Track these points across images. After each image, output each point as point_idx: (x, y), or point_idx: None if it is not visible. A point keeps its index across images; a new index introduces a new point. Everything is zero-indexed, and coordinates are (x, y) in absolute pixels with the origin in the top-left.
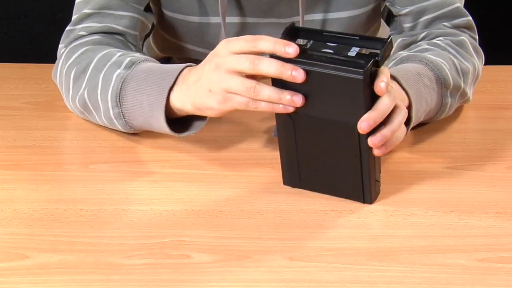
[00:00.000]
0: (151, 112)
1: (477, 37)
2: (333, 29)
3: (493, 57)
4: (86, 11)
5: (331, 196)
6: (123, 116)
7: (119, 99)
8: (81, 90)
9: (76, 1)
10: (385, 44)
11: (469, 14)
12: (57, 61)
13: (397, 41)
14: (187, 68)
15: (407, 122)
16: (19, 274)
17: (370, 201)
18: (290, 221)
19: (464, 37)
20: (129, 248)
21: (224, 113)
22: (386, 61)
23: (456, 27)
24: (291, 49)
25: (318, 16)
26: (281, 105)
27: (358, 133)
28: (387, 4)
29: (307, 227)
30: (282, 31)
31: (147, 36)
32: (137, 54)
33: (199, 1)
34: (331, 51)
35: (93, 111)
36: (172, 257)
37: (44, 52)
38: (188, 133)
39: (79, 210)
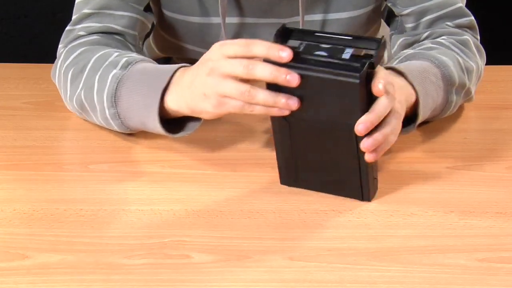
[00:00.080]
0: (146, 112)
1: (479, 37)
2: (333, 29)
3: (493, 57)
4: (86, 11)
5: (331, 196)
6: (119, 117)
7: (115, 99)
8: (78, 90)
9: (76, 1)
10: (379, 45)
11: (471, 14)
12: (56, 61)
13: (399, 40)
14: (181, 69)
15: (414, 119)
16: (19, 274)
17: (369, 199)
18: (290, 221)
19: (468, 37)
20: (129, 248)
21: (220, 116)
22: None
23: (459, 26)
24: (284, 53)
25: (318, 17)
26: (276, 108)
27: (355, 134)
28: (388, 4)
29: (307, 227)
30: (274, 33)
31: (147, 36)
32: (134, 54)
33: (200, 1)
34: (325, 54)
35: (90, 111)
36: (172, 257)
37: (44, 52)
38: (183, 134)
39: (79, 210)
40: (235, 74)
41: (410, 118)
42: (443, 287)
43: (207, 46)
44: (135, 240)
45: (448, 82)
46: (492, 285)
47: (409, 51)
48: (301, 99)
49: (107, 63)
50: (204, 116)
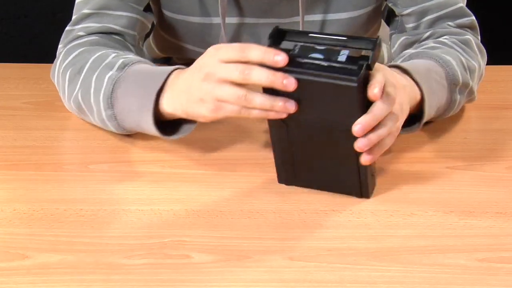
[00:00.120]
0: (140, 114)
1: (479, 37)
2: (333, 30)
3: (493, 57)
4: (85, 11)
5: (331, 196)
6: (115, 118)
7: (111, 101)
8: (76, 91)
9: (76, 1)
10: (375, 46)
11: (472, 14)
12: (55, 61)
13: (400, 40)
14: (176, 71)
15: (419, 118)
16: (19, 274)
17: (368, 196)
18: (290, 221)
19: (469, 36)
20: (129, 248)
21: (216, 120)
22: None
23: (460, 26)
24: (280, 58)
25: (318, 17)
26: (273, 112)
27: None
28: (389, 4)
29: (307, 227)
30: (268, 35)
31: (147, 36)
32: (131, 56)
33: (200, 2)
34: (321, 56)
35: (87, 112)
36: (172, 257)
37: (44, 52)
38: (178, 136)
39: (79, 210)
40: (231, 79)
41: (415, 117)
42: (443, 287)
43: (207, 46)
44: (135, 240)
45: (452, 81)
46: (492, 285)
47: (411, 50)
48: (298, 102)
49: (104, 64)
50: (200, 120)
